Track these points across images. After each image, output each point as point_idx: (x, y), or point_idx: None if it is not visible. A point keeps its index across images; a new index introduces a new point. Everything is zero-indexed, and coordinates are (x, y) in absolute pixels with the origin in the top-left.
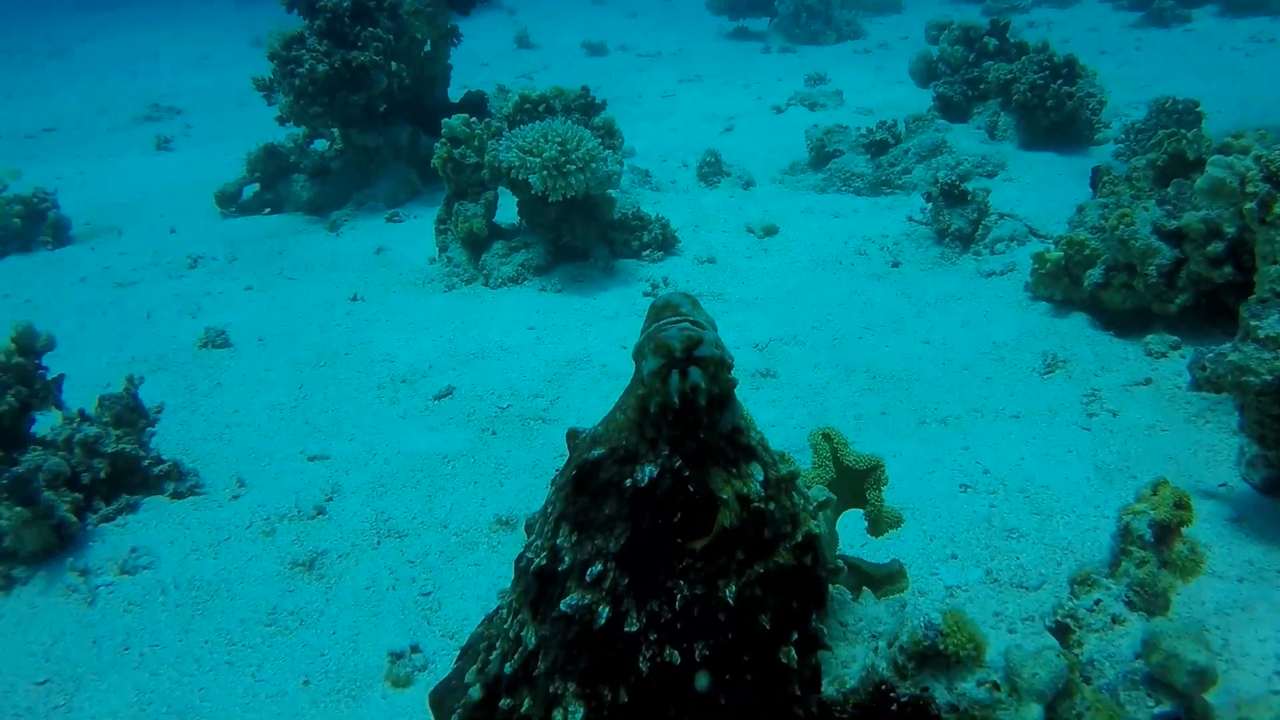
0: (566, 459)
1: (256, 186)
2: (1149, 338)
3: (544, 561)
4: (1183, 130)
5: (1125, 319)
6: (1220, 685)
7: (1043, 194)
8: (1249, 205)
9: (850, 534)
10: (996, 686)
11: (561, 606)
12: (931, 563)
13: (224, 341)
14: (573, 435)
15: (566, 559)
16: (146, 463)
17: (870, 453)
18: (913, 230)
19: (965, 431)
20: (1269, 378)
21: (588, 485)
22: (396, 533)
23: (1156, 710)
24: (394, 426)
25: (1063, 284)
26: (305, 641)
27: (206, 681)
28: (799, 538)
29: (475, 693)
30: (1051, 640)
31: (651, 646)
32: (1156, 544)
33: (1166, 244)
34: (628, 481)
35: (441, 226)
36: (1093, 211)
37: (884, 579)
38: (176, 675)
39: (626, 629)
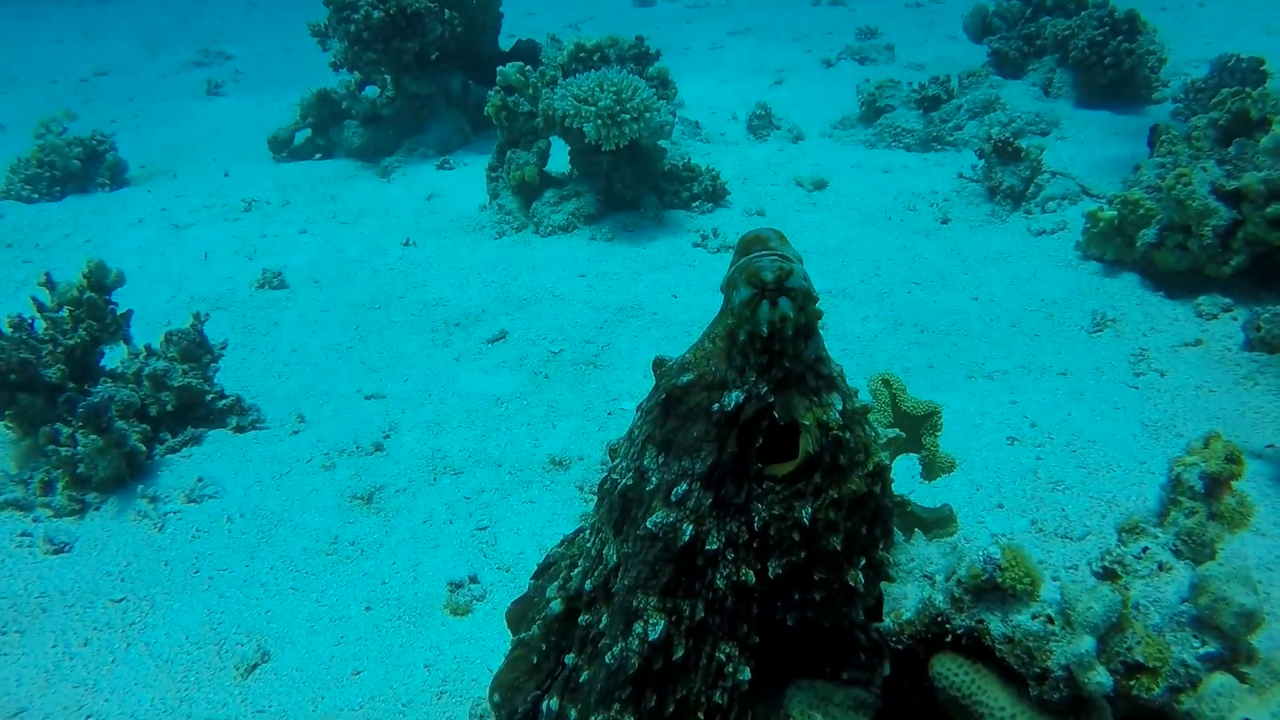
0: (654, 384)
1: (309, 132)
2: (1201, 299)
3: (630, 481)
4: (1248, 88)
5: (1177, 280)
6: (1264, 631)
7: (1097, 153)
8: None
9: (900, 481)
10: (1051, 620)
11: (648, 524)
12: (978, 511)
13: (280, 283)
14: (659, 363)
15: (653, 479)
16: (210, 397)
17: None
18: (963, 187)
19: (1013, 386)
20: None
21: (676, 409)
22: (452, 470)
23: (1202, 650)
24: (448, 368)
25: (1115, 243)
26: (366, 570)
27: (273, 605)
28: (870, 466)
29: (556, 606)
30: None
31: (729, 565)
32: (1206, 495)
33: (1224, 205)
34: (715, 406)
35: (493, 174)
36: (1149, 171)
37: (935, 522)
38: (244, 598)
39: (708, 547)
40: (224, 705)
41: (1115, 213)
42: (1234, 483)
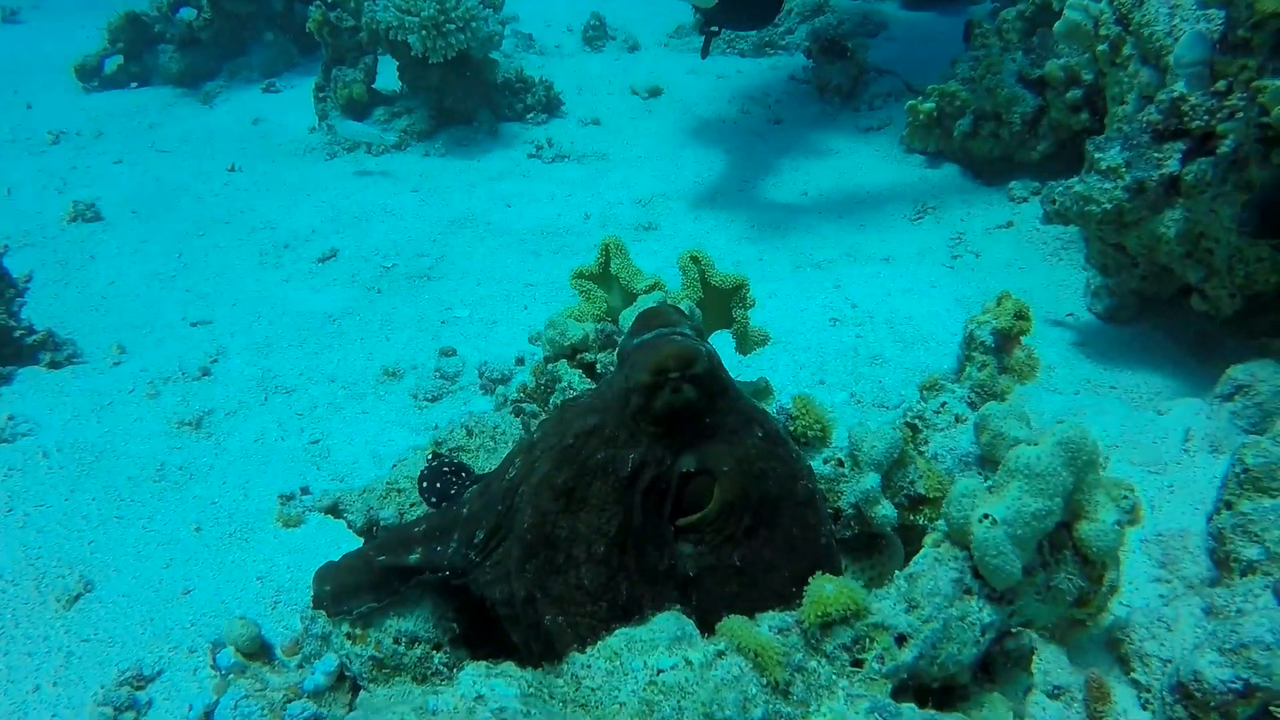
0: (557, 411)
1: (120, 59)
2: (1012, 184)
3: (534, 520)
4: None
5: (992, 167)
6: None
7: (921, 51)
8: (1101, 47)
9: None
10: (841, 463)
11: (583, 580)
12: (801, 387)
13: (95, 215)
14: (563, 406)
15: (563, 529)
16: (19, 334)
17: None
18: (795, 89)
19: (838, 273)
20: (1109, 206)
21: (574, 456)
22: (284, 389)
23: (987, 484)
24: (278, 290)
25: (935, 135)
26: (195, 494)
27: (95, 535)
28: (800, 494)
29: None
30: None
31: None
32: (997, 350)
33: (1030, 92)
34: (610, 468)
35: (320, 94)
36: (964, 64)
37: (753, 394)
38: (64, 531)
39: (644, 611)
40: (45, 639)
41: (933, 104)
42: (1023, 337)
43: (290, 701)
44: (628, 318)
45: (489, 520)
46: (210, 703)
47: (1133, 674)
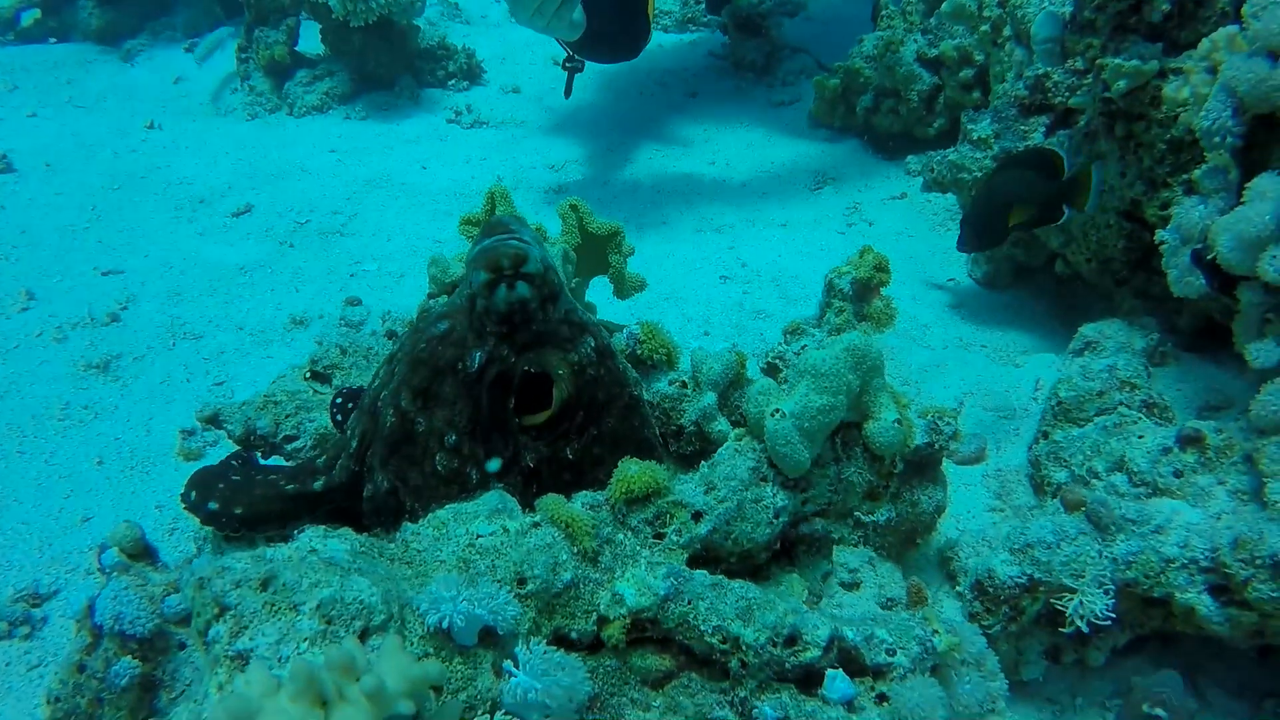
0: (415, 320)
1: (37, 13)
2: (909, 159)
3: (394, 420)
4: None
5: (892, 142)
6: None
7: (835, 31)
8: (984, 28)
9: (599, 304)
10: (684, 385)
11: (438, 467)
12: (686, 339)
13: (6, 166)
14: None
15: (420, 423)
16: None
17: (647, 254)
18: (712, 64)
19: (735, 237)
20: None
21: (427, 362)
22: (192, 335)
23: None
24: (191, 243)
25: (840, 111)
26: (99, 431)
27: None
28: (626, 399)
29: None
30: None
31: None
32: (856, 299)
33: (927, 71)
34: (459, 365)
35: (243, 55)
36: (869, 43)
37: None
38: None
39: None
40: None
41: (839, 81)
42: (883, 289)
43: (169, 595)
44: None
45: (360, 427)
46: (93, 595)
47: (957, 588)
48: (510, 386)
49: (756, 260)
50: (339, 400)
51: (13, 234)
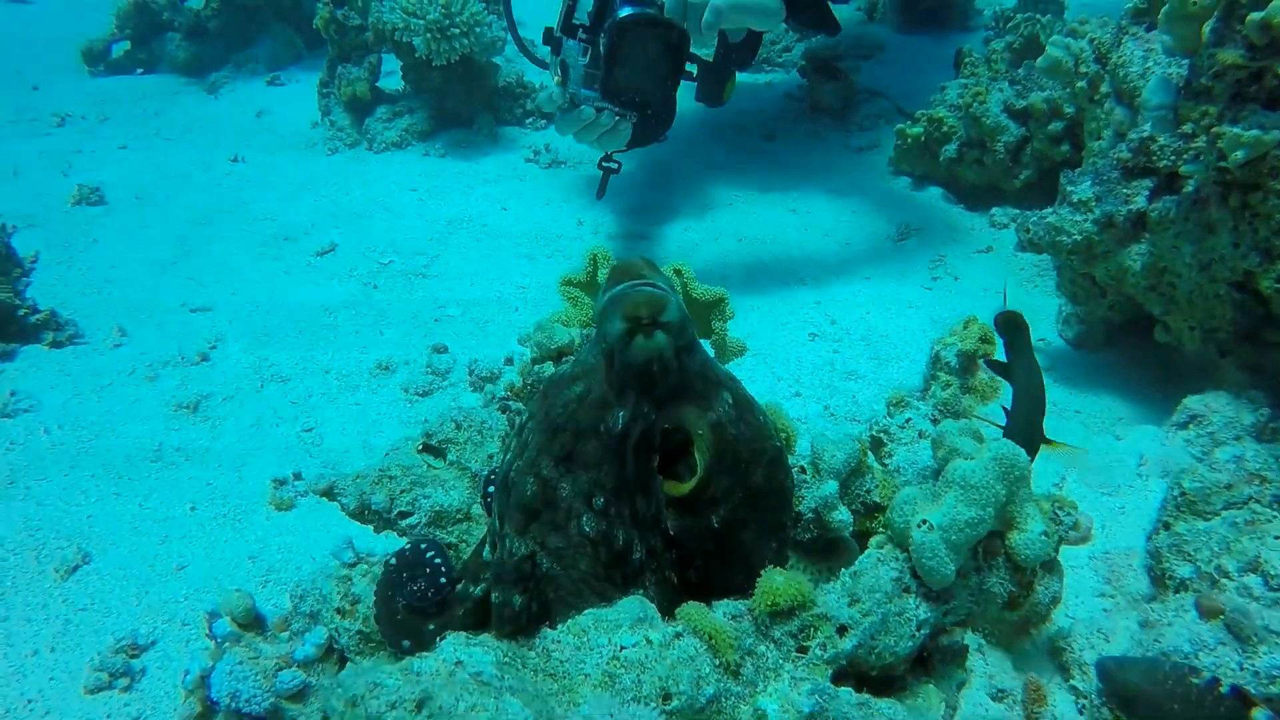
0: (540, 393)
1: (127, 45)
2: (994, 210)
3: (535, 490)
4: (1038, 15)
5: (976, 193)
6: None
7: (914, 76)
8: (1080, 84)
9: None
10: (804, 470)
11: (584, 529)
12: (777, 399)
13: (99, 199)
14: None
15: (564, 488)
16: (22, 312)
17: (734, 304)
18: (788, 106)
19: (822, 291)
20: (1078, 237)
21: (567, 428)
22: (280, 377)
23: (928, 492)
24: (277, 281)
25: (922, 159)
26: (191, 475)
27: (94, 510)
28: (769, 454)
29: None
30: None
31: (653, 572)
32: (961, 371)
33: (1014, 122)
34: (601, 427)
35: (324, 90)
36: (953, 91)
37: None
38: (64, 505)
39: (634, 557)
40: (43, 606)
41: (921, 129)
42: (986, 359)
43: (282, 669)
44: None
45: (497, 508)
46: (207, 667)
47: (1071, 681)
48: (653, 445)
49: (845, 317)
50: (490, 489)
51: (105, 268)
